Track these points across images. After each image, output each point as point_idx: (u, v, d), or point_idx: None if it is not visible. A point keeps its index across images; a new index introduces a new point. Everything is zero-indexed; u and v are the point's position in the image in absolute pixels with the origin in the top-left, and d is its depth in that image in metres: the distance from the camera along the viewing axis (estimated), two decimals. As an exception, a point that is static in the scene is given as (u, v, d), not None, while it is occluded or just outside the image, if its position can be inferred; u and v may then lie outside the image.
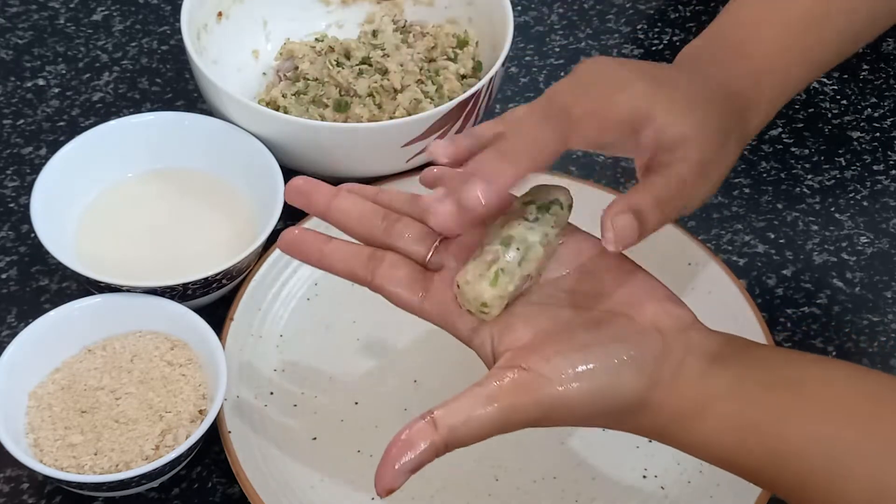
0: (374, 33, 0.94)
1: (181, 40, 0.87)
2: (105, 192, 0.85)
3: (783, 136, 0.96)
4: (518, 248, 0.60)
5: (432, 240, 0.64)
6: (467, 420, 0.58)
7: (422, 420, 0.57)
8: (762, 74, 0.68)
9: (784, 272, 0.87)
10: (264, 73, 0.95)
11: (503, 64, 0.87)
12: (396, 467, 0.57)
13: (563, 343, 0.59)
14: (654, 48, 1.01)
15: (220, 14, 0.93)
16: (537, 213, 0.62)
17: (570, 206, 0.64)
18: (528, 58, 1.00)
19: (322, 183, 0.66)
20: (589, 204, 0.70)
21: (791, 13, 0.70)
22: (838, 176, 0.93)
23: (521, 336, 0.60)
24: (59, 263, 0.77)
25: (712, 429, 0.59)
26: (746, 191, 0.92)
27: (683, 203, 0.62)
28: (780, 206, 0.91)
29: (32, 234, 0.81)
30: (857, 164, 0.94)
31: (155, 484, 0.74)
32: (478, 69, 0.92)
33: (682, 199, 0.62)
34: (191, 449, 0.72)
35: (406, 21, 0.96)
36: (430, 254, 0.64)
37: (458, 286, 0.60)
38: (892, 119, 0.97)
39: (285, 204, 0.80)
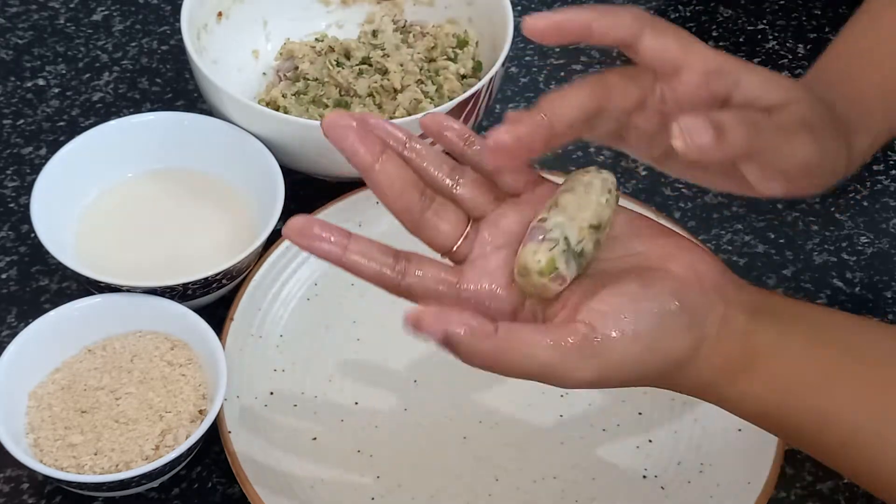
0: (374, 33, 0.94)
1: (181, 40, 0.87)
2: (105, 192, 0.85)
3: (783, 136, 0.95)
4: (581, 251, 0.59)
5: (464, 226, 0.62)
6: (526, 344, 0.56)
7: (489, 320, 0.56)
8: (869, 103, 0.67)
9: (784, 272, 0.87)
10: (264, 73, 0.95)
11: (503, 64, 0.87)
12: (442, 317, 0.55)
13: (614, 302, 0.57)
14: (654, 48, 1.01)
15: (220, 14, 0.93)
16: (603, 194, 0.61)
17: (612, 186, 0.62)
18: (528, 58, 1.00)
19: (366, 137, 0.61)
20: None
21: None
22: (838, 176, 0.93)
23: (569, 297, 0.59)
24: (59, 263, 0.77)
25: (758, 385, 0.59)
26: (746, 191, 0.92)
27: (779, 143, 0.60)
28: (780, 206, 0.91)
29: (32, 234, 0.81)
30: (857, 164, 0.94)
31: (155, 484, 0.74)
32: (478, 69, 0.92)
33: (776, 134, 0.59)
34: (191, 449, 0.72)
35: (406, 21, 0.96)
36: (460, 242, 0.62)
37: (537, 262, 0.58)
38: (892, 119, 0.97)
39: (285, 204, 0.81)
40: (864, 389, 0.59)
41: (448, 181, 0.62)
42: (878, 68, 0.69)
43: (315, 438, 0.76)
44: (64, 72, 0.97)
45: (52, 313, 0.76)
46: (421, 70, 0.91)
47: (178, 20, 0.88)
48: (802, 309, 0.63)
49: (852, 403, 0.59)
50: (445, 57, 0.92)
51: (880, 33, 0.72)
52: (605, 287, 0.58)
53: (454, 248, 0.62)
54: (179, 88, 0.97)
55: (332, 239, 0.60)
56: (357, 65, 0.91)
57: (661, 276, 0.59)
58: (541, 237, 0.58)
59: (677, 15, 1.04)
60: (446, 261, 0.62)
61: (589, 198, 0.60)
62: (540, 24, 0.59)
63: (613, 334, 0.56)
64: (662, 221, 0.83)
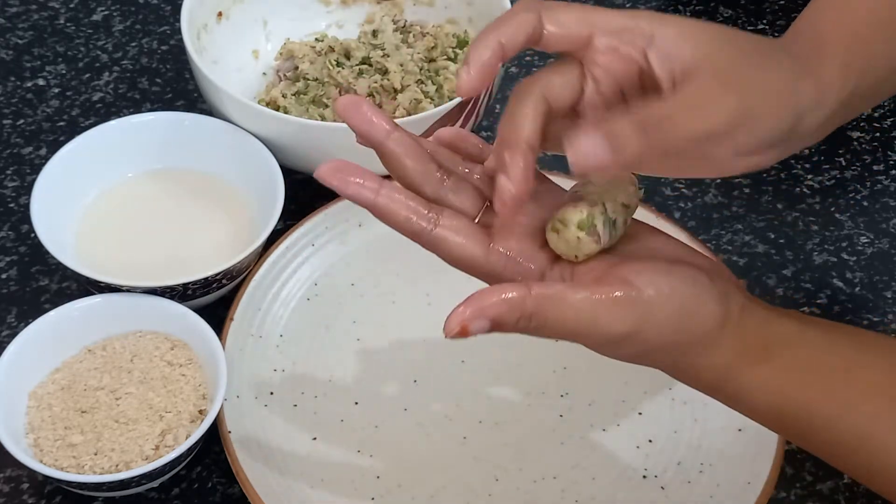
0: (374, 33, 0.94)
1: (181, 40, 0.87)
2: (105, 193, 0.85)
3: (783, 136, 0.95)
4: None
5: (483, 200, 0.61)
6: (562, 300, 0.55)
7: (517, 282, 0.56)
8: (826, 43, 0.63)
9: (784, 272, 0.87)
10: (264, 73, 0.95)
11: (503, 64, 0.87)
12: (475, 308, 0.54)
13: (648, 265, 0.57)
14: (654, 48, 1.01)
15: (220, 14, 0.93)
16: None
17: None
18: (528, 58, 1.00)
19: (380, 113, 0.60)
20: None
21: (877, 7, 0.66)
22: (838, 176, 0.93)
23: (596, 265, 0.58)
24: (59, 263, 0.77)
25: (775, 374, 0.59)
26: (746, 191, 0.92)
27: (682, 129, 0.56)
28: (780, 206, 0.91)
29: (32, 234, 0.81)
30: (857, 164, 0.94)
31: (155, 484, 0.74)
32: (478, 69, 0.92)
33: (678, 122, 0.56)
34: (191, 449, 0.72)
35: (406, 21, 0.96)
36: (480, 214, 0.61)
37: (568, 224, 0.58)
38: (892, 119, 0.97)
39: (285, 204, 0.81)
40: (883, 385, 0.59)
41: (464, 168, 0.62)
42: (843, 19, 0.65)
43: (315, 438, 0.76)
44: (64, 72, 0.97)
45: (52, 313, 0.76)
46: (421, 70, 0.91)
47: (178, 20, 0.88)
48: (815, 318, 0.64)
49: (871, 399, 0.58)
50: (445, 57, 0.92)
51: None
52: (633, 258, 0.58)
53: (476, 220, 0.61)
54: (179, 88, 0.97)
55: (365, 182, 0.58)
56: (357, 65, 0.91)
57: (688, 263, 0.59)
58: (580, 199, 0.58)
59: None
60: None
61: (620, 183, 0.60)
62: (474, 85, 0.58)
63: (650, 291, 0.56)
64: (662, 222, 0.84)
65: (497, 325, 0.55)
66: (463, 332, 0.55)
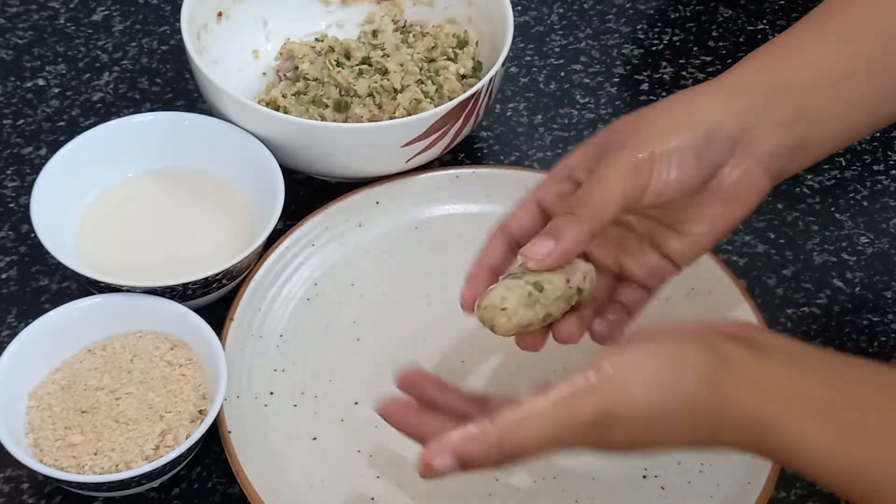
0: (374, 33, 0.94)
1: (181, 40, 0.87)
2: (105, 193, 0.85)
3: (783, 136, 0.95)
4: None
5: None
6: (525, 419, 0.57)
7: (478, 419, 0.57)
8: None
9: (784, 272, 0.87)
10: (264, 73, 0.95)
11: (503, 64, 0.87)
12: (437, 445, 0.57)
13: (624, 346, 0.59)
14: (654, 48, 1.01)
15: (220, 14, 0.93)
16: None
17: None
18: (528, 58, 1.00)
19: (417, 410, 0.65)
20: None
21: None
22: (838, 176, 0.93)
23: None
24: (59, 263, 0.78)
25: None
26: (746, 191, 0.92)
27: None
28: (780, 206, 0.91)
29: (32, 234, 0.81)
30: (857, 164, 0.94)
31: (155, 484, 0.74)
32: (478, 69, 0.92)
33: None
34: (191, 449, 0.72)
35: (406, 21, 0.96)
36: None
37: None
38: (892, 119, 0.97)
39: (285, 204, 0.81)
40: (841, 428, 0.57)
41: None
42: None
43: (315, 438, 0.76)
44: (64, 72, 0.97)
45: (52, 313, 0.76)
46: (421, 70, 0.91)
47: (178, 20, 0.88)
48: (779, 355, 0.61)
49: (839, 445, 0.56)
50: (445, 57, 0.92)
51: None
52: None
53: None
54: (179, 88, 0.97)
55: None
56: (357, 65, 0.91)
57: (666, 329, 0.62)
58: (505, 277, 0.63)
59: (677, 15, 1.04)
60: None
61: (564, 269, 0.65)
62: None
63: (607, 367, 0.57)
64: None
65: (467, 462, 0.57)
66: (429, 470, 0.57)
